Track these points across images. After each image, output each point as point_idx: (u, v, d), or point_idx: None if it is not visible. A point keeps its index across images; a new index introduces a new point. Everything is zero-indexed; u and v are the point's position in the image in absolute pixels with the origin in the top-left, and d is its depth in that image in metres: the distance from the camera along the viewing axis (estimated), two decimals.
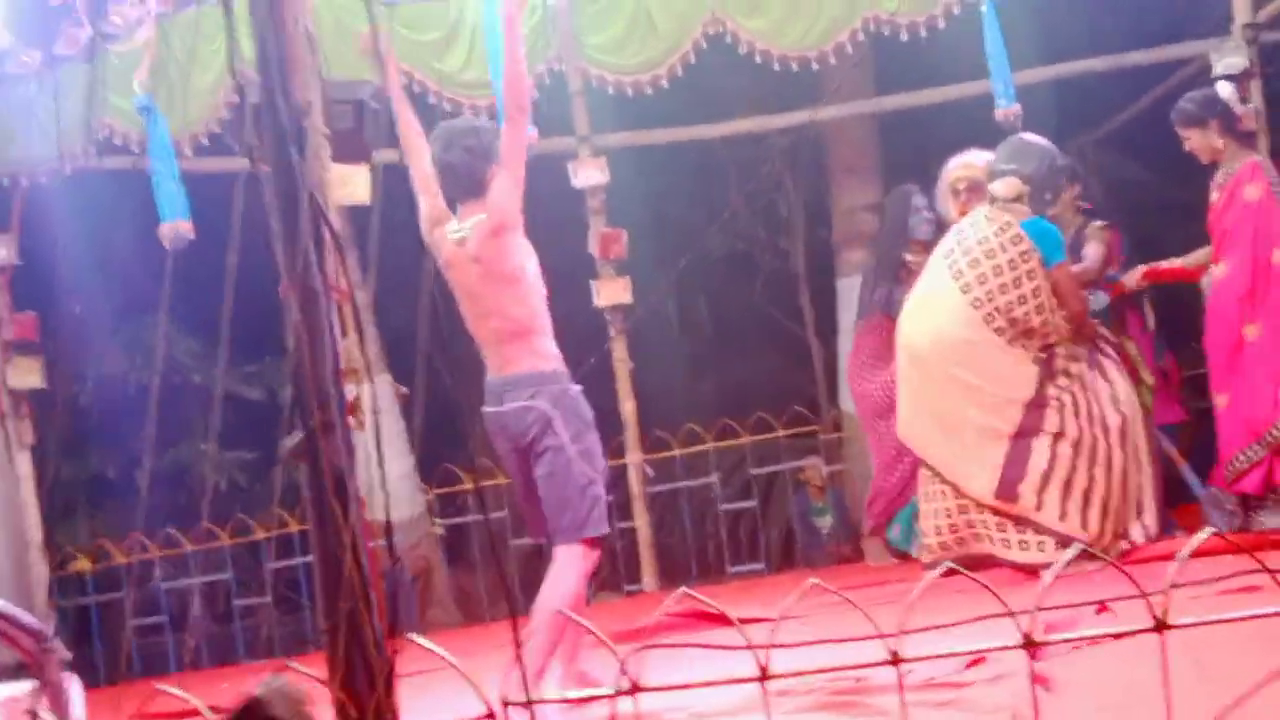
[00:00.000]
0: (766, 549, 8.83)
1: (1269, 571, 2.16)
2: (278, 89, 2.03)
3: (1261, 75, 7.45)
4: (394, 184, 8.77)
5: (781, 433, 8.42)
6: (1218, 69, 7.44)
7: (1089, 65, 7.99)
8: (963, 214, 6.65)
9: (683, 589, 2.48)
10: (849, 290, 9.07)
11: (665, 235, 9.37)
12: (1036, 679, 4.30)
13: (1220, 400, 6.43)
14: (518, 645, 2.07)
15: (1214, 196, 6.57)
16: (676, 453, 8.40)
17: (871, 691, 4.31)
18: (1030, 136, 6.51)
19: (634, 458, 7.97)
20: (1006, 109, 7.25)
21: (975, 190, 6.67)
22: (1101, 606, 4.76)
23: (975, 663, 4.62)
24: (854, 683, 4.35)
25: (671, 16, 7.79)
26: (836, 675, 4.66)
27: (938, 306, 6.26)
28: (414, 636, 2.17)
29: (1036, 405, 6.05)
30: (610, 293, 7.87)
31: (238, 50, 2.12)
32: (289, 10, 2.13)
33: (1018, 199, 6.24)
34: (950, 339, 6.17)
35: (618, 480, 8.23)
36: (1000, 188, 6.28)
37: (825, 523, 8.71)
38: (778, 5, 7.73)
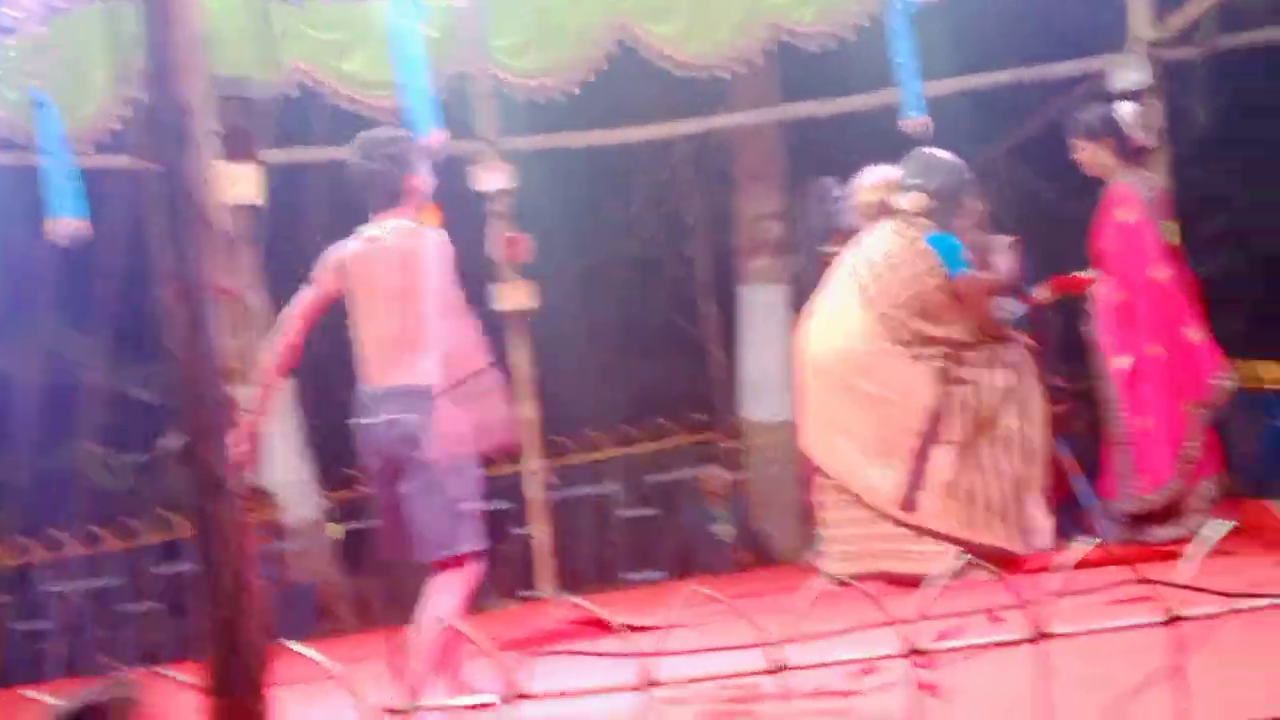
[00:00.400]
0: (666, 556, 8.82)
1: (1149, 582, 2.19)
2: (163, 86, 1.98)
3: (1162, 92, 7.59)
4: (295, 185, 8.72)
5: (681, 440, 8.42)
6: (1117, 84, 7.57)
7: (994, 78, 8.07)
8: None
9: (568, 596, 2.45)
10: (752, 298, 9.12)
11: (571, 240, 9.34)
12: (924, 687, 4.34)
13: (1142, 422, 6.46)
14: (397, 655, 2.03)
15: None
16: (576, 459, 8.37)
17: (762, 699, 4.31)
18: (937, 151, 6.55)
19: (533, 464, 7.91)
20: (915, 120, 7.27)
21: (886, 212, 6.62)
22: (992, 615, 4.80)
23: (866, 671, 4.65)
24: (744, 691, 4.35)
25: (579, 22, 7.75)
26: (727, 683, 4.67)
27: (841, 319, 6.28)
28: (291, 644, 2.12)
29: (937, 414, 6.09)
30: (512, 297, 7.81)
31: (129, 48, 2.07)
32: (177, 7, 2.09)
33: (923, 213, 6.29)
34: (854, 351, 6.19)
35: (517, 487, 8.19)
36: (906, 201, 6.33)
37: (725, 530, 8.72)
38: (685, 13, 7.71)
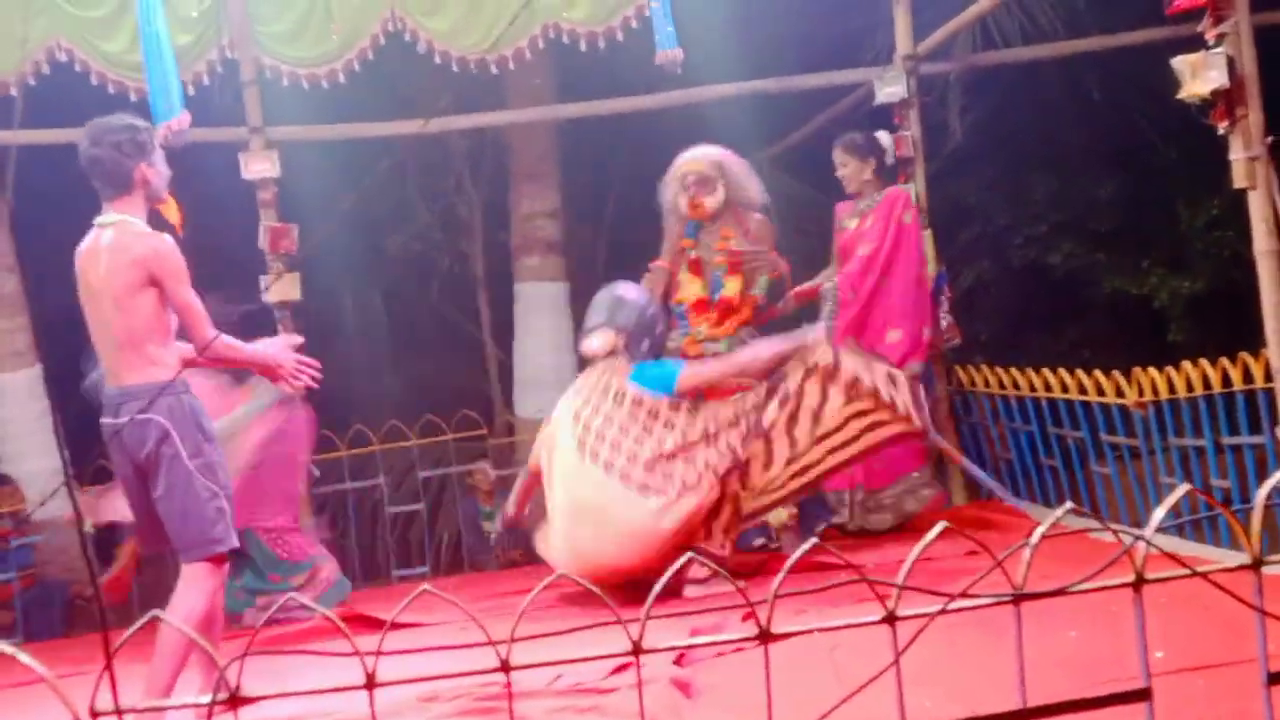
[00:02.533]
0: (435, 553, 8.76)
1: (868, 582, 2.24)
2: None
3: (920, 104, 7.84)
4: (53, 166, 8.38)
5: (450, 436, 8.36)
6: (880, 96, 7.81)
7: (762, 86, 8.22)
8: (693, 208, 7.02)
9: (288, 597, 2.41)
10: (526, 295, 9.12)
11: (344, 233, 9.21)
12: (676, 684, 4.40)
13: None
14: (108, 656, 1.97)
15: (852, 222, 7.37)
16: (344, 454, 8.25)
17: (518, 697, 4.31)
18: (624, 289, 6.61)
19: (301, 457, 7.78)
20: (669, 53, 7.35)
21: (703, 184, 7.01)
22: (748, 614, 4.88)
23: (620, 669, 4.69)
24: (501, 689, 4.35)
25: (349, 10, 7.63)
26: (487, 681, 4.66)
27: (572, 477, 6.06)
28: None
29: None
30: (280, 289, 7.66)
31: None
32: None
33: (612, 352, 6.30)
34: (591, 505, 5.95)
35: None
36: (594, 343, 6.37)
37: (493, 527, 8.70)
38: (457, 6, 7.67)
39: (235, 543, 4.69)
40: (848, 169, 7.49)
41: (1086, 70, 9.29)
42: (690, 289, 7.12)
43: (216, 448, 4.66)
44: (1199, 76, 5.19)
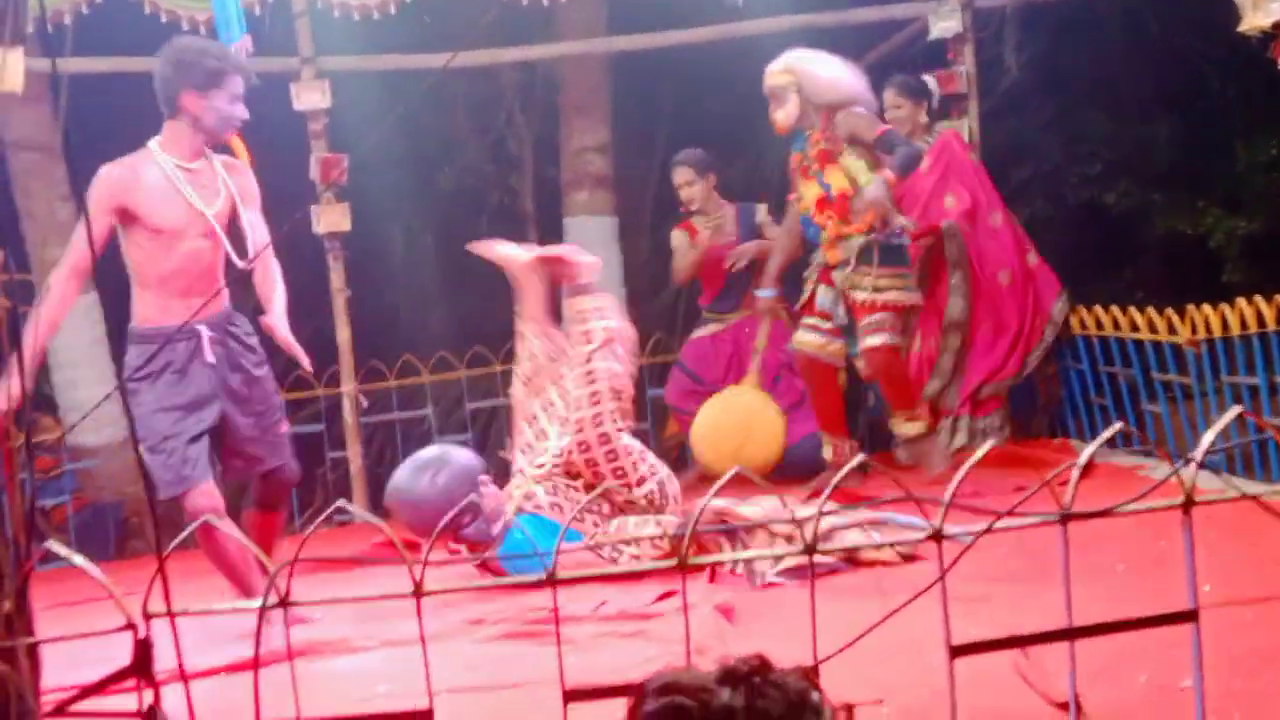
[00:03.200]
0: None
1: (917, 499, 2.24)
2: None
3: (974, 40, 7.75)
4: (114, 95, 8.44)
5: (499, 367, 8.39)
6: (934, 31, 7.73)
7: (816, 19, 8.14)
8: (776, 125, 6.90)
9: (376, 519, 2.44)
10: (576, 229, 9.11)
11: (393, 165, 9.21)
12: (720, 610, 4.42)
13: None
14: (161, 557, 1.99)
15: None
16: (392, 384, 8.29)
17: (565, 621, 4.34)
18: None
19: (348, 387, 7.84)
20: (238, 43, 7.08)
21: (774, 98, 6.85)
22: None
23: (664, 596, 4.72)
24: (547, 614, 4.39)
25: None
26: (534, 608, 4.70)
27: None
28: (53, 544, 2.07)
29: None
30: (330, 219, 7.71)
31: None
32: None
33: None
34: None
35: (333, 410, 8.11)
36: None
37: None
38: None
39: (184, 485, 4.82)
40: (902, 110, 7.44)
41: (1144, 6, 9.14)
42: (808, 193, 6.96)
43: (164, 393, 4.81)
44: (1260, 8, 5.11)
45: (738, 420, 7.35)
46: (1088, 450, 2.36)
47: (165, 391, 4.72)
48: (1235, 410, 2.45)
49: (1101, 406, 7.36)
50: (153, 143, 4.73)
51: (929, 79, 7.61)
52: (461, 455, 5.65)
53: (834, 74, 6.86)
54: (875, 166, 6.77)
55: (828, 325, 6.97)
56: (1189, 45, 9.12)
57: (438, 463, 5.49)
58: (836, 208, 6.83)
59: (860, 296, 6.85)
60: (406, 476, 5.46)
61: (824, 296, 6.99)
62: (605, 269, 8.88)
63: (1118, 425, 2.54)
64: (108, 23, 7.55)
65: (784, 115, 6.81)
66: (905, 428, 7.08)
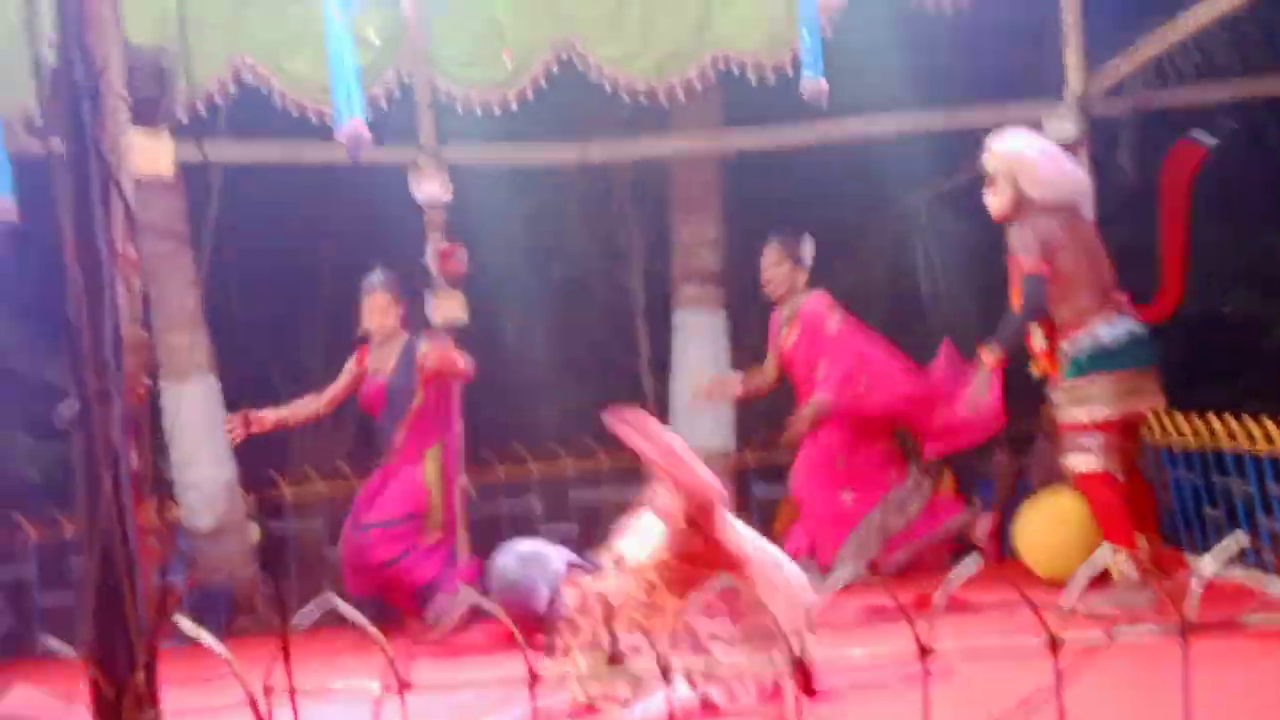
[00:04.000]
0: None
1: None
2: (74, 45, 1.98)
3: (1089, 144, 7.71)
4: (240, 184, 8.68)
5: (608, 461, 8.41)
6: (1048, 133, 7.69)
7: (928, 120, 8.16)
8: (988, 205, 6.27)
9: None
10: (685, 323, 9.17)
11: (506, 256, 9.35)
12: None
13: None
14: (285, 637, 2.03)
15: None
16: (501, 474, 8.35)
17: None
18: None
19: (459, 478, 7.90)
20: (812, 81, 6.91)
21: (989, 182, 6.26)
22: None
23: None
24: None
25: (523, 35, 7.82)
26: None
27: None
28: (178, 619, 2.12)
29: None
30: (445, 309, 7.82)
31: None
32: None
33: None
34: None
35: None
36: None
37: None
38: (630, 34, 7.79)
39: None
40: (782, 269, 7.41)
41: (1264, 111, 9.06)
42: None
43: None
44: None
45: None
46: (1208, 562, 2.32)
47: None
48: None
49: (1216, 520, 7.21)
50: None
51: (808, 241, 7.38)
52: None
53: (1056, 171, 6.30)
54: (1060, 295, 6.12)
55: None
56: None
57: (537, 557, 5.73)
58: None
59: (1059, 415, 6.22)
60: (515, 567, 5.53)
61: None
62: (714, 362, 8.95)
63: (1239, 534, 2.50)
64: (242, 115, 7.79)
65: (996, 203, 6.25)
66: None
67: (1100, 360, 6.02)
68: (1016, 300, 6.12)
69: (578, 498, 8.63)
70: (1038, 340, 6.18)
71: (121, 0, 2.14)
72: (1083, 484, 6.11)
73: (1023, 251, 6.06)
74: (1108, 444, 6.03)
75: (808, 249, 7.36)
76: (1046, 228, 6.11)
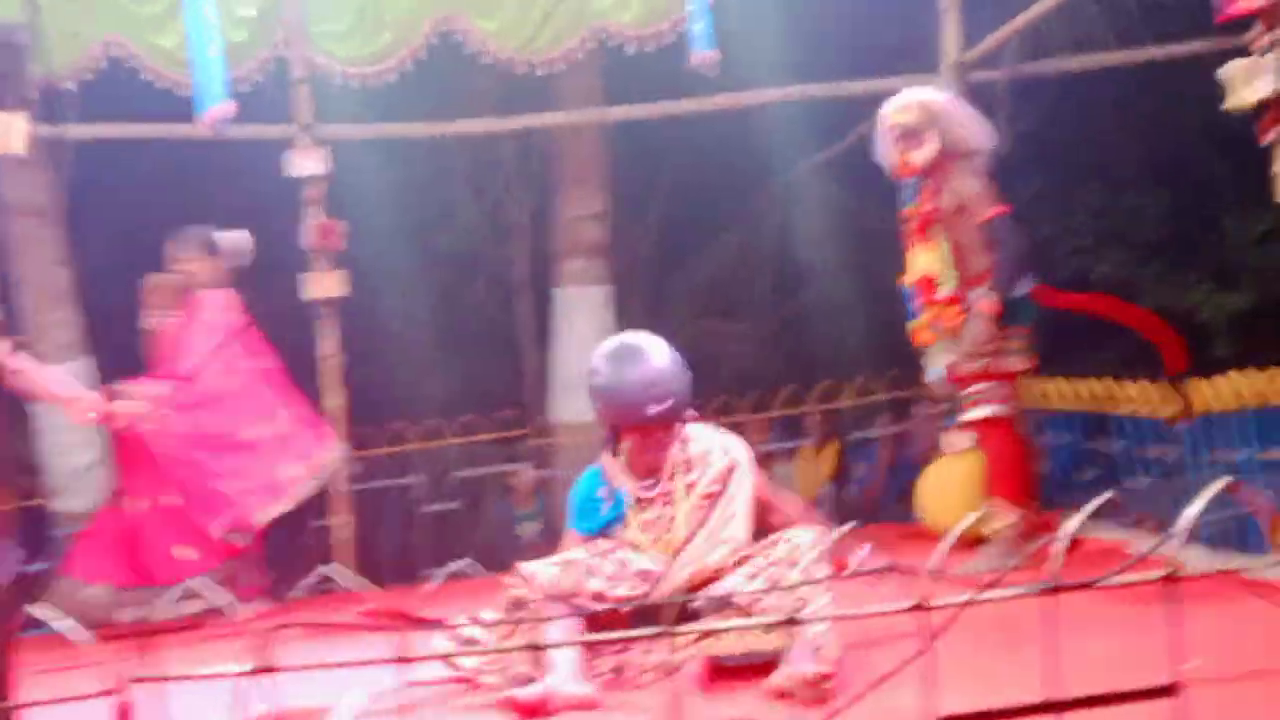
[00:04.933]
0: (467, 553, 8.76)
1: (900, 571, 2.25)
2: None
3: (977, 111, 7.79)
4: (115, 161, 8.51)
5: (487, 436, 8.37)
6: None
7: (809, 91, 8.21)
8: (902, 166, 6.10)
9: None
10: (569, 298, 9.14)
11: (389, 231, 9.27)
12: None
13: None
14: (148, 626, 1.99)
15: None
16: (383, 451, 8.28)
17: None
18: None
19: (338, 454, 7.82)
20: (704, 55, 7.04)
21: (911, 137, 6.04)
22: None
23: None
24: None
25: (401, 10, 7.73)
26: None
27: None
28: (36, 607, 2.07)
29: None
30: (323, 285, 7.73)
31: None
32: None
33: None
34: None
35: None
36: None
37: (529, 529, 8.71)
38: (508, 8, 7.74)
39: None
40: (193, 266, 7.09)
41: (1135, 80, 9.24)
42: (913, 264, 6.21)
43: None
44: (1247, 85, 5.13)
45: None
46: (1072, 522, 2.36)
47: None
48: (1221, 481, 2.46)
49: (1089, 480, 7.35)
50: None
51: (228, 236, 7.16)
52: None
53: (974, 119, 6.22)
54: (962, 255, 6.00)
55: None
56: (1179, 118, 9.22)
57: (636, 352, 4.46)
58: (924, 290, 6.18)
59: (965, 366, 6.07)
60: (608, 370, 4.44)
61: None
62: (599, 336, 8.92)
63: (1106, 494, 2.55)
64: (107, 91, 7.62)
65: (923, 155, 6.02)
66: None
67: (1010, 314, 5.94)
68: (979, 249, 5.94)
69: (460, 475, 8.56)
70: (947, 286, 6.06)
71: None
72: (988, 433, 6.07)
73: (977, 197, 5.95)
74: (1011, 395, 6.06)
75: (227, 244, 7.12)
76: (979, 173, 6.04)
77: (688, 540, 4.40)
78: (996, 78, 8.35)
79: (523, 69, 7.83)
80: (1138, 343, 9.13)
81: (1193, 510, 2.27)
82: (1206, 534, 5.73)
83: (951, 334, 6.08)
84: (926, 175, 6.09)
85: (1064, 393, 7.33)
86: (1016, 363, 6.02)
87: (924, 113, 6.03)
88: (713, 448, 4.51)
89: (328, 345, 7.83)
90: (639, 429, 4.40)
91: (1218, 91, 5.33)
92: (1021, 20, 7.51)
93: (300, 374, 7.54)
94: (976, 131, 6.12)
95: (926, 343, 6.32)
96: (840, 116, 7.67)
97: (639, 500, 4.52)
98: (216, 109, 6.84)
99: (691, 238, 9.02)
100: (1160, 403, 6.63)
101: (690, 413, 4.51)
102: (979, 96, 8.09)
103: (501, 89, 8.69)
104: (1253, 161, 5.42)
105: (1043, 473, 7.62)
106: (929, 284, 6.12)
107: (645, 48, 7.69)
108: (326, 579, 6.38)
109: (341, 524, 7.76)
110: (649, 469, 4.51)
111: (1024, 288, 6.00)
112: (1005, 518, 6.02)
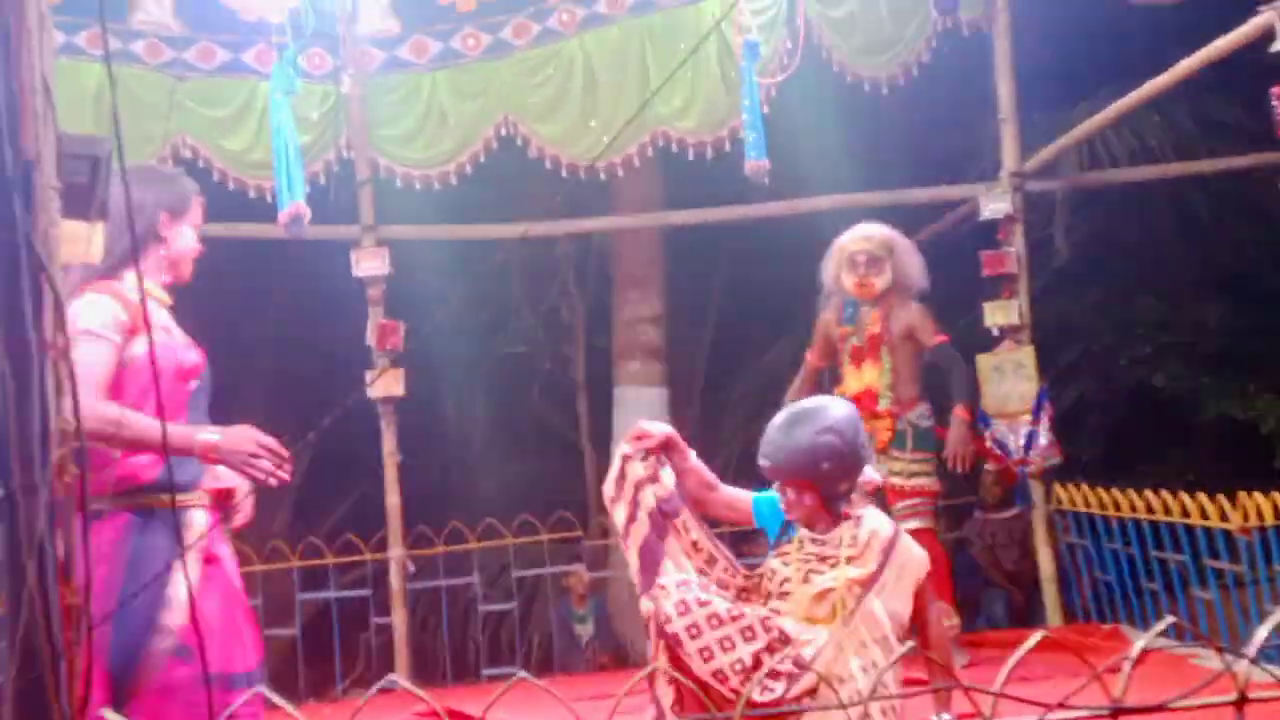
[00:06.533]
0: (525, 654, 8.75)
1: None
2: (5, 137, 1.98)
3: (1025, 221, 7.83)
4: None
5: (545, 536, 8.36)
6: (985, 212, 7.83)
7: (867, 199, 8.24)
8: (859, 287, 6.71)
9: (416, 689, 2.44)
10: (626, 399, 9.19)
11: (449, 331, 9.35)
12: None
13: None
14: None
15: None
16: (440, 550, 8.29)
17: None
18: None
19: (396, 552, 7.84)
20: (756, 162, 7.22)
21: (874, 264, 6.73)
22: None
23: None
24: None
25: (464, 114, 7.86)
26: None
27: None
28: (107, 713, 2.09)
29: None
30: (384, 384, 7.79)
31: None
32: (25, 56, 2.09)
33: None
34: None
35: (380, 575, 8.08)
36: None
37: (585, 630, 8.68)
38: (570, 113, 7.85)
39: None
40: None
41: (1194, 192, 9.24)
42: (854, 380, 6.84)
43: None
44: None
45: None
46: (1139, 643, 2.33)
47: None
48: None
49: (1151, 591, 7.26)
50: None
51: None
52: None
53: (920, 261, 6.89)
54: (911, 375, 6.77)
55: None
56: (1239, 230, 9.21)
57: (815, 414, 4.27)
58: (865, 402, 6.60)
59: (895, 481, 6.71)
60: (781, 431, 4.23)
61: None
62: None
63: (1170, 619, 2.52)
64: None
65: (882, 282, 6.73)
66: None
67: (930, 436, 6.78)
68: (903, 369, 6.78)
69: (519, 575, 8.53)
70: (885, 401, 6.75)
71: (55, 89, 2.13)
72: (921, 542, 6.22)
73: (923, 325, 6.75)
74: (934, 510, 6.85)
75: None
76: (920, 304, 6.82)
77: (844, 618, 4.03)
78: (1055, 187, 8.37)
79: (583, 173, 7.92)
80: (1203, 452, 9.10)
81: (1263, 631, 2.24)
82: (1274, 652, 5.64)
83: (881, 447, 6.66)
84: (876, 301, 6.77)
85: (1129, 503, 7.26)
86: (935, 483, 6.79)
87: (886, 245, 6.76)
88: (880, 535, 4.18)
89: (388, 443, 7.88)
90: (792, 483, 4.16)
91: (1277, 202, 5.34)
92: (1080, 131, 7.55)
93: (365, 471, 7.56)
94: (920, 269, 6.85)
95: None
96: (897, 223, 7.66)
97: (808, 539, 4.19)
98: (290, 209, 6.97)
99: (747, 342, 9.04)
100: (1223, 515, 6.56)
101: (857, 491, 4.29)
102: (1037, 206, 8.13)
103: (561, 190, 8.78)
104: None
105: (1107, 582, 7.56)
106: (871, 397, 6.72)
107: (703, 153, 7.76)
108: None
109: (399, 622, 7.75)
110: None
111: (929, 418, 6.78)
112: (949, 619, 6.36)
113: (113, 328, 3.52)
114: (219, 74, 7.72)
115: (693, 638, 3.90)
